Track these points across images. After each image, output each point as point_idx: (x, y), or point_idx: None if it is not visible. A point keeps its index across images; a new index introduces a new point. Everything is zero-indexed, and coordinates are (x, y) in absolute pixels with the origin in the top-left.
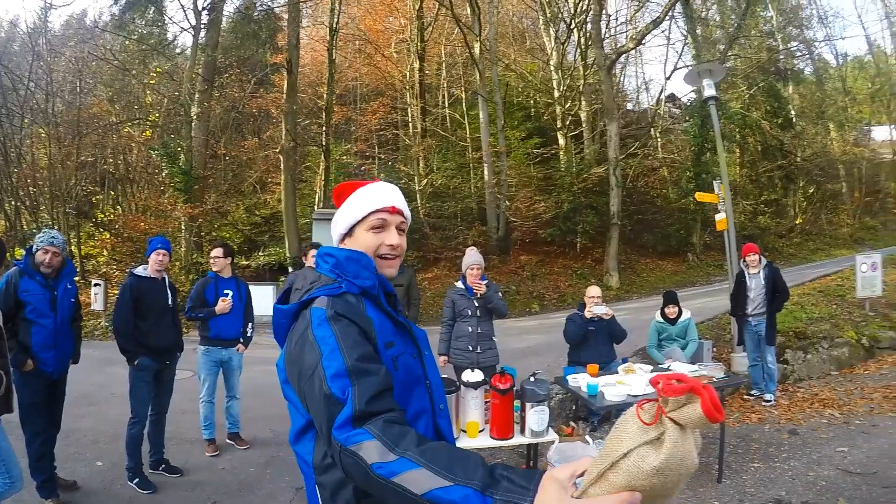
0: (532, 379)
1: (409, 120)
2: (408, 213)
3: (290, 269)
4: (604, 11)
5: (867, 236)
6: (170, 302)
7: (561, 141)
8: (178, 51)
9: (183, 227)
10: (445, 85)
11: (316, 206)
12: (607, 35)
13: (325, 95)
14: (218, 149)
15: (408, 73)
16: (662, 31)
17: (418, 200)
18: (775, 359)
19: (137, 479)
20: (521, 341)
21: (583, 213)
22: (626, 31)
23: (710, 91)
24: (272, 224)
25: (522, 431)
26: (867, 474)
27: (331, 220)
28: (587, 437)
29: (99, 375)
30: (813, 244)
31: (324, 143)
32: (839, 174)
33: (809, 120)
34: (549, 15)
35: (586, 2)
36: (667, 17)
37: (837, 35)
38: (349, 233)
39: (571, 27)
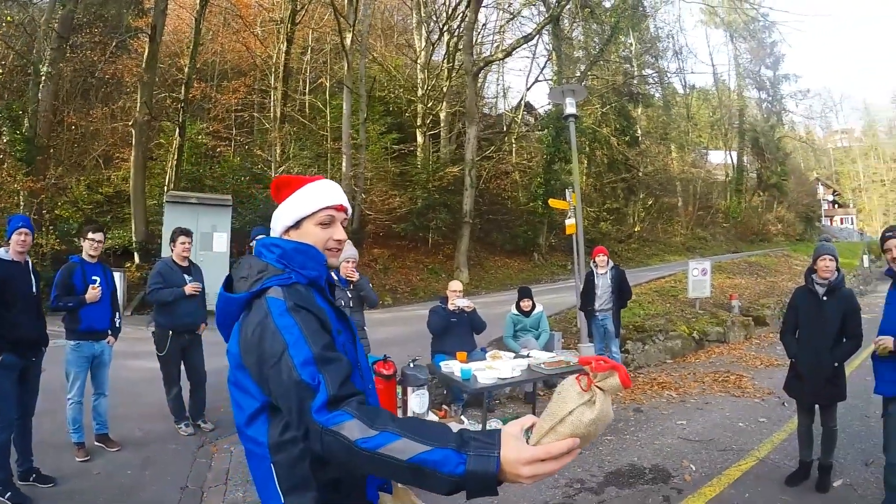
0: (412, 365)
1: (270, 104)
2: (350, 209)
3: (135, 256)
4: (477, 20)
5: (698, 245)
6: (34, 289)
7: (419, 139)
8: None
9: (22, 203)
10: (309, 70)
11: (166, 188)
12: (477, 42)
13: (185, 68)
14: (66, 116)
15: (274, 55)
16: (529, 46)
17: None
18: (619, 349)
19: (10, 493)
20: (379, 333)
21: (436, 210)
22: (493, 41)
23: (571, 109)
24: (116, 204)
25: (405, 414)
26: (705, 441)
27: (185, 202)
28: (462, 417)
29: None
30: (649, 250)
31: (180, 120)
32: (676, 189)
33: (654, 140)
34: (422, 15)
35: (462, 8)
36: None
37: (688, 69)
38: (295, 225)
39: (444, 30)
